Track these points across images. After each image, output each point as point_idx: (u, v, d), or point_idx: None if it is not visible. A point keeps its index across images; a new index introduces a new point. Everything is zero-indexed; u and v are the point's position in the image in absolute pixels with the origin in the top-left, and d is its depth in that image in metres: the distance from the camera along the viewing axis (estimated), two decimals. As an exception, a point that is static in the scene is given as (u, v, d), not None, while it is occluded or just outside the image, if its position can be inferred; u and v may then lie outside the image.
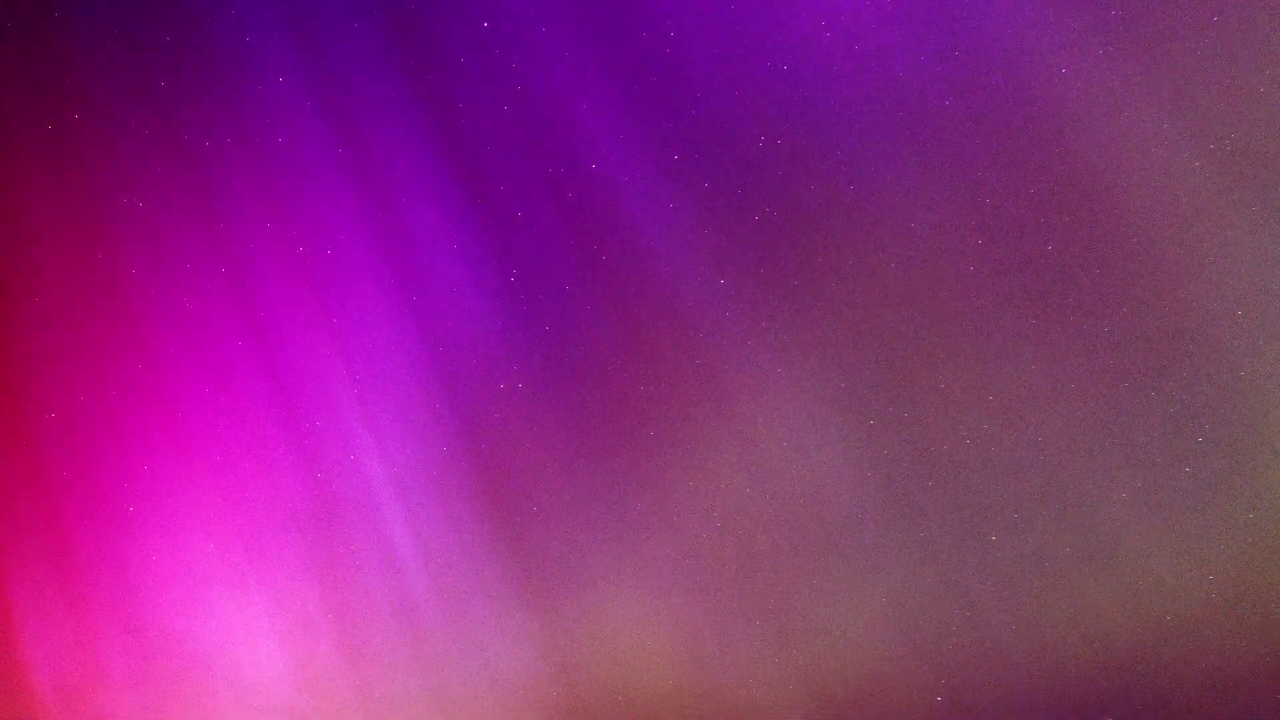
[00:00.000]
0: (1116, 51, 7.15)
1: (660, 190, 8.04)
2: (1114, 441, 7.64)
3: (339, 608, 8.81)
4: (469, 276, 8.33)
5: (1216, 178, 7.11)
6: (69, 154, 8.20)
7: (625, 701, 8.46)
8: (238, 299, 8.44)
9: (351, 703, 8.74)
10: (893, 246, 7.81)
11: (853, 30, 7.55)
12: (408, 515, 8.74)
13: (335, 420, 8.62)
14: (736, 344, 8.21)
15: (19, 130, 8.10)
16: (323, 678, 8.75)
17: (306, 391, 8.59)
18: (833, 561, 8.33)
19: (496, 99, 8.02)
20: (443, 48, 8.00)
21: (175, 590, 8.86)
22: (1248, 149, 7.02)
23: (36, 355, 8.54)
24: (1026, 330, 7.71)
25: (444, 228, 8.30)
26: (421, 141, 8.20)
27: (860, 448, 8.12)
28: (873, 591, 8.26)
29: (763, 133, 7.85)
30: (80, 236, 8.31)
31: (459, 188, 8.24)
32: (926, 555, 8.13)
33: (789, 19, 7.64)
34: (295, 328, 8.48)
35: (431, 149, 8.21)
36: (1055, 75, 7.28)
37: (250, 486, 8.74)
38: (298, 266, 8.36)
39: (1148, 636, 7.77)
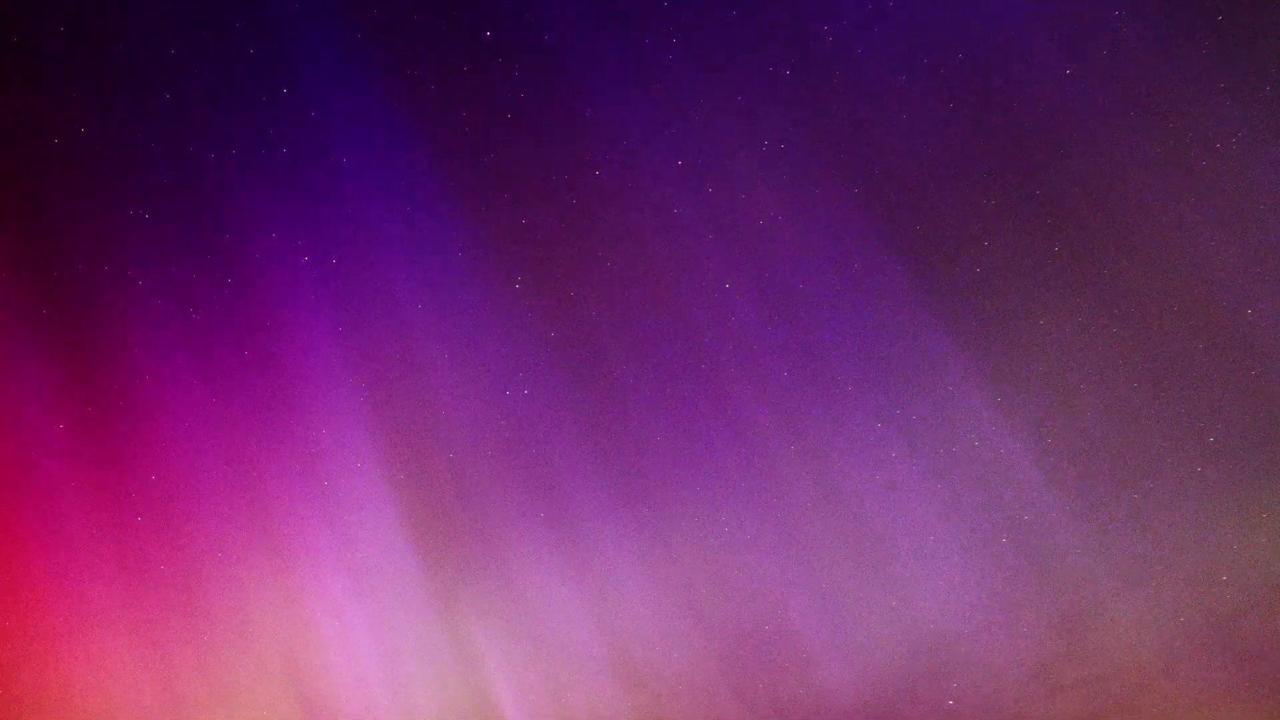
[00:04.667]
0: (1121, 51, 7.14)
1: (664, 195, 8.05)
2: (1121, 443, 7.61)
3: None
4: (473, 281, 8.33)
5: (1223, 177, 7.09)
6: (74, 165, 8.23)
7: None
8: (244, 307, 8.45)
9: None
10: (899, 248, 7.80)
11: (855, 33, 7.55)
12: (412, 519, 8.75)
13: (342, 427, 8.62)
14: (741, 347, 8.20)
15: (24, 143, 8.13)
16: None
17: (313, 398, 8.60)
18: (836, 562, 8.30)
19: (500, 106, 8.03)
20: (446, 54, 8.02)
21: (182, 581, 8.87)
22: (1254, 148, 7.00)
23: (41, 364, 8.55)
24: (1032, 332, 7.69)
25: (448, 234, 8.31)
26: (425, 148, 8.21)
27: (864, 450, 8.10)
28: (882, 590, 8.23)
29: (766, 136, 7.85)
30: (85, 247, 8.33)
31: (463, 193, 8.25)
32: (936, 555, 8.10)
33: (791, 22, 7.64)
34: (302, 335, 8.49)
35: (435, 155, 8.22)
36: (1059, 76, 7.27)
37: (259, 491, 8.74)
38: (302, 274, 8.37)
39: (1163, 635, 7.73)
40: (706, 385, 8.31)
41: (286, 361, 8.54)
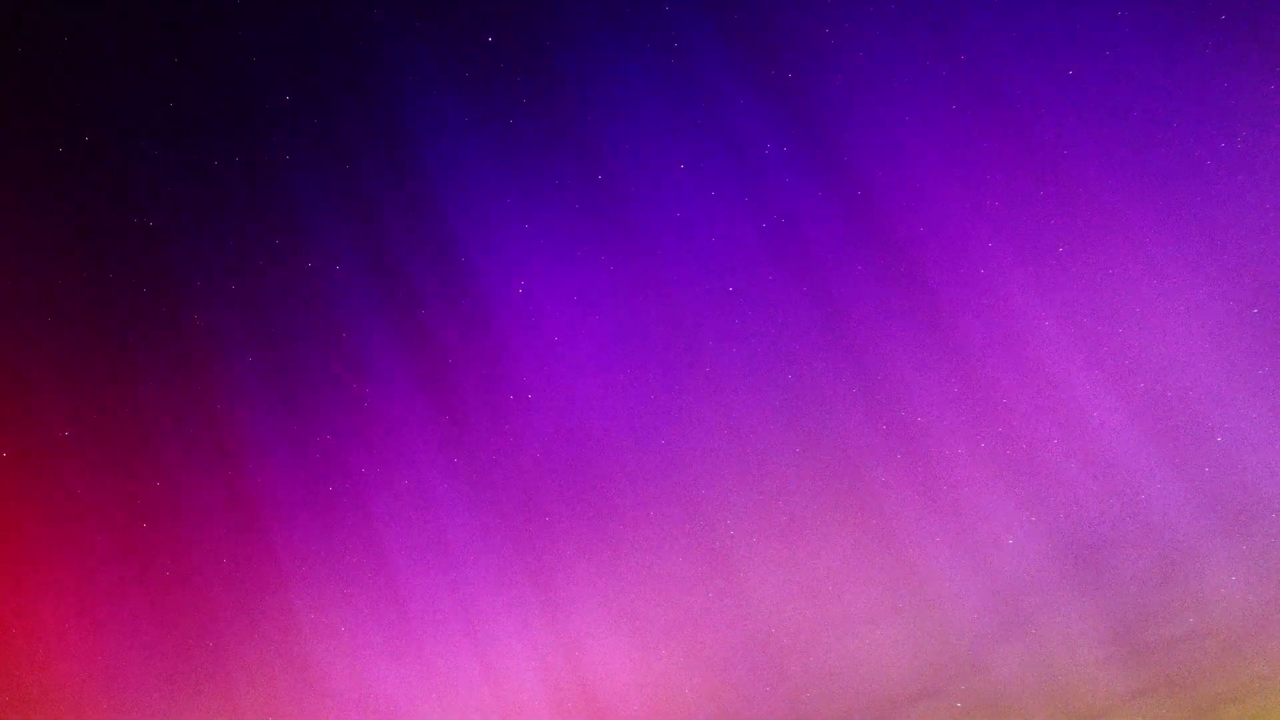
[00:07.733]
0: (1123, 51, 7.12)
1: (666, 197, 8.04)
2: (1122, 440, 7.57)
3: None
4: (474, 286, 8.33)
5: (1226, 176, 7.06)
6: (78, 174, 8.25)
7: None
8: (246, 312, 8.45)
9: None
10: (902, 249, 7.78)
11: (857, 36, 7.55)
12: (410, 525, 8.74)
13: (341, 429, 8.62)
14: (743, 348, 8.18)
15: (29, 151, 8.15)
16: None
17: (314, 401, 8.60)
18: (840, 564, 8.26)
19: (503, 110, 8.04)
20: (448, 60, 8.02)
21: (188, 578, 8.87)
22: (1257, 147, 6.97)
23: (46, 369, 8.57)
24: (1037, 334, 7.66)
25: (449, 238, 8.31)
26: (427, 154, 8.22)
27: (870, 450, 8.07)
28: (893, 592, 8.19)
29: (769, 140, 7.85)
30: (89, 254, 8.35)
31: (464, 199, 8.25)
32: (951, 554, 8.06)
33: (794, 25, 7.64)
34: (304, 340, 8.49)
35: (437, 163, 8.23)
36: (1063, 77, 7.25)
37: (264, 496, 8.74)
38: (305, 280, 8.38)
39: (1187, 639, 7.68)
40: (713, 382, 8.28)
41: (290, 367, 8.54)
